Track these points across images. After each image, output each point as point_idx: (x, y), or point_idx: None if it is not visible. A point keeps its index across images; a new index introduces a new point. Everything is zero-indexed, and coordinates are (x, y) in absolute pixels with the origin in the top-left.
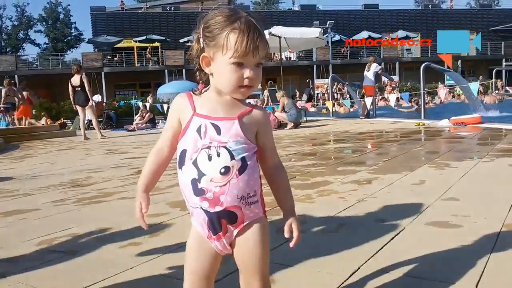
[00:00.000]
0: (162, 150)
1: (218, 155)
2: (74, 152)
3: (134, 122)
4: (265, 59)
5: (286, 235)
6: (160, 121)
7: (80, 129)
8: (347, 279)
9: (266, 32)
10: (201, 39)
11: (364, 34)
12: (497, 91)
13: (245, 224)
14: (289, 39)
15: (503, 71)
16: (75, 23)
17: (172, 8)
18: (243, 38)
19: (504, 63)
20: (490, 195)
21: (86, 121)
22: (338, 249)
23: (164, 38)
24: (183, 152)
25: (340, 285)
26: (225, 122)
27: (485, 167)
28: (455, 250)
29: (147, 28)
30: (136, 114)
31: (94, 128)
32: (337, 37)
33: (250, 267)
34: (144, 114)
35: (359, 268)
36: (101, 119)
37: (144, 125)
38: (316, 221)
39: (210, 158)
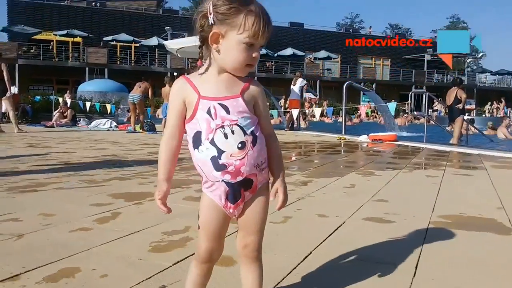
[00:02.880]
0: (174, 136)
1: (233, 132)
2: None
3: (54, 118)
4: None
5: (271, 197)
6: (82, 119)
7: None
8: (302, 260)
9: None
10: (210, 16)
11: (289, 51)
12: (407, 114)
13: (257, 188)
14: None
15: (412, 95)
16: None
17: (98, 4)
18: (259, 21)
19: (413, 89)
20: (413, 199)
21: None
22: (289, 237)
23: (87, 34)
24: (197, 133)
25: (296, 266)
26: (231, 101)
27: (406, 176)
28: (393, 240)
29: (69, 22)
30: (55, 110)
31: (9, 122)
32: (263, 51)
33: (253, 226)
34: (63, 110)
35: (311, 253)
36: (16, 113)
37: (64, 121)
38: None
39: (226, 136)
